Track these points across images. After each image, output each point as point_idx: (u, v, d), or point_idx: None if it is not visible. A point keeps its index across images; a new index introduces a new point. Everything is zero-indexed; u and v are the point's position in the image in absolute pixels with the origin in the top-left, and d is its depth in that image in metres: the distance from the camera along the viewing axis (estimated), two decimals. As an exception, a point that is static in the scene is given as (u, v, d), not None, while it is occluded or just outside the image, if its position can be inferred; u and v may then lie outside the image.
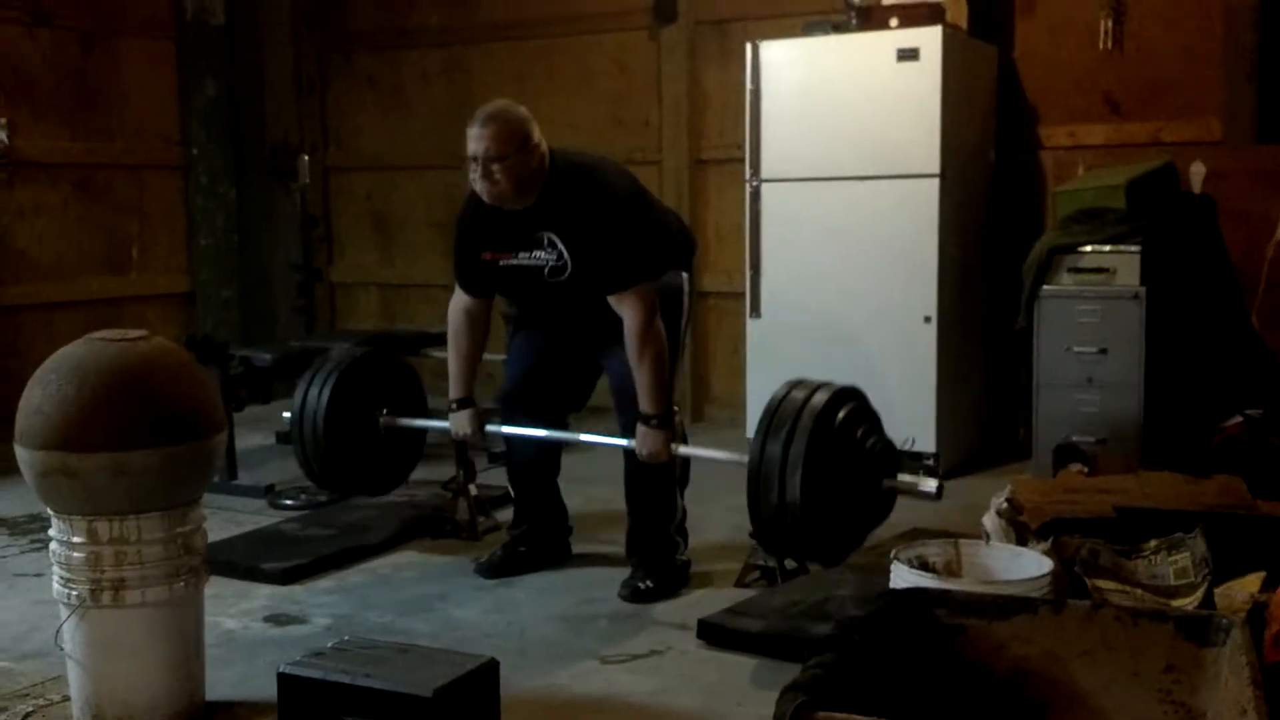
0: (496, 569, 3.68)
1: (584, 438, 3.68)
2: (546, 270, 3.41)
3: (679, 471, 3.61)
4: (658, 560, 3.57)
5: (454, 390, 3.68)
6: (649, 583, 3.51)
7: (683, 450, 3.48)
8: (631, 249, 3.36)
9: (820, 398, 3.02)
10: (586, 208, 3.35)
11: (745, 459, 3.11)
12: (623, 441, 3.47)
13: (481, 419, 3.71)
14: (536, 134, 3.33)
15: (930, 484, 3.15)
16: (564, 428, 3.76)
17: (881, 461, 3.10)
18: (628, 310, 3.33)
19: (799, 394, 3.05)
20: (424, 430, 4.05)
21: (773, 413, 3.04)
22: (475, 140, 3.28)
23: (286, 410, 3.99)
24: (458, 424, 3.70)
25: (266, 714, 2.57)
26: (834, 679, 1.88)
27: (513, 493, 3.82)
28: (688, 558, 3.66)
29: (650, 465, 3.45)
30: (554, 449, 3.78)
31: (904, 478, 3.14)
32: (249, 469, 4.94)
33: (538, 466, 3.76)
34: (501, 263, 3.48)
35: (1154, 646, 2.09)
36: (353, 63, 6.96)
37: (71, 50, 5.85)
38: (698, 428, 5.80)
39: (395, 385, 4.05)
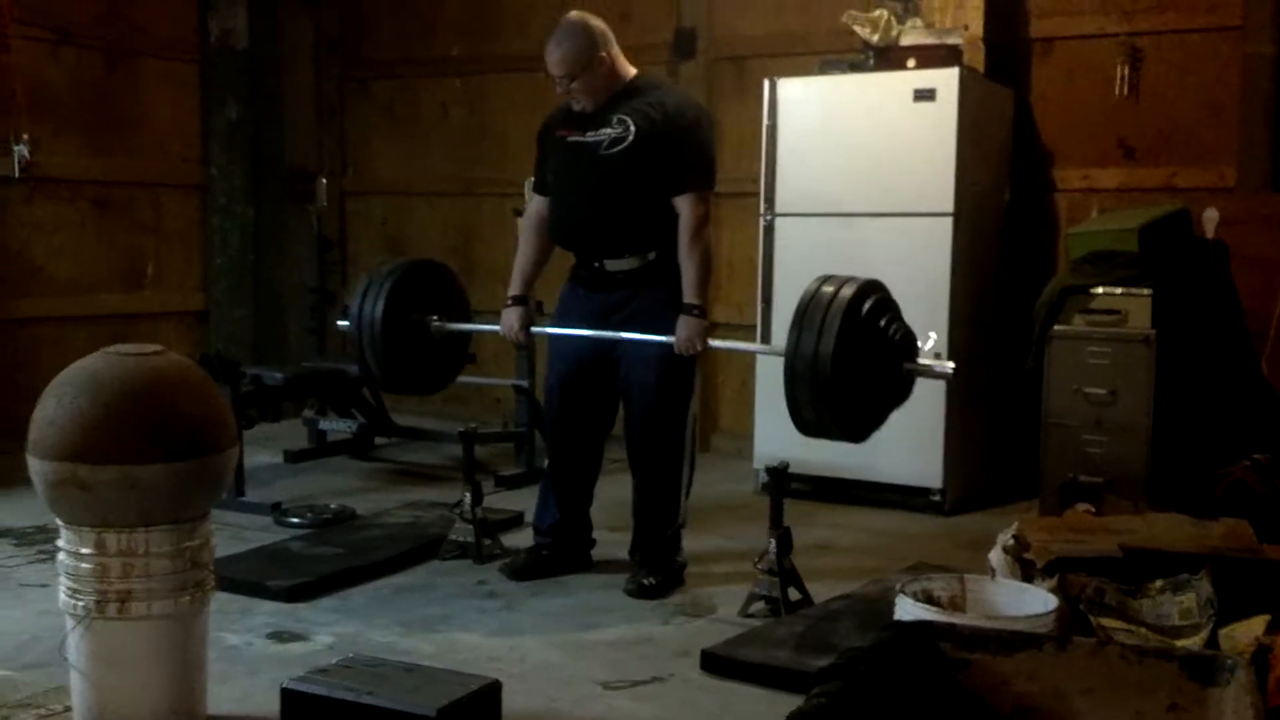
0: (521, 572, 3.83)
1: (625, 335, 3.67)
2: (606, 143, 3.60)
3: (686, 479, 3.79)
4: (661, 559, 3.76)
5: (512, 287, 3.89)
6: (653, 579, 3.70)
7: (715, 343, 3.69)
8: (700, 151, 3.66)
9: (847, 291, 3.18)
10: (665, 102, 3.65)
11: (776, 349, 3.33)
12: (662, 338, 3.57)
13: (530, 318, 3.89)
14: (603, 48, 3.61)
15: (947, 366, 3.33)
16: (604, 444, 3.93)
17: (902, 347, 3.26)
18: (686, 207, 3.60)
19: (828, 288, 3.21)
20: (469, 334, 4.20)
21: (805, 306, 3.20)
22: (551, 65, 3.60)
23: (343, 320, 4.12)
24: (507, 319, 3.87)
25: (268, 730, 2.57)
26: (838, 708, 1.87)
27: (552, 485, 3.90)
28: (685, 560, 3.85)
29: (660, 468, 3.71)
30: (599, 454, 3.91)
31: (923, 361, 3.29)
32: (257, 487, 4.95)
33: (583, 464, 3.88)
34: (569, 139, 3.71)
35: (1158, 685, 2.08)
36: (372, 89, 7.03)
37: (95, 69, 5.91)
38: (705, 459, 5.79)
39: (442, 291, 4.11)
